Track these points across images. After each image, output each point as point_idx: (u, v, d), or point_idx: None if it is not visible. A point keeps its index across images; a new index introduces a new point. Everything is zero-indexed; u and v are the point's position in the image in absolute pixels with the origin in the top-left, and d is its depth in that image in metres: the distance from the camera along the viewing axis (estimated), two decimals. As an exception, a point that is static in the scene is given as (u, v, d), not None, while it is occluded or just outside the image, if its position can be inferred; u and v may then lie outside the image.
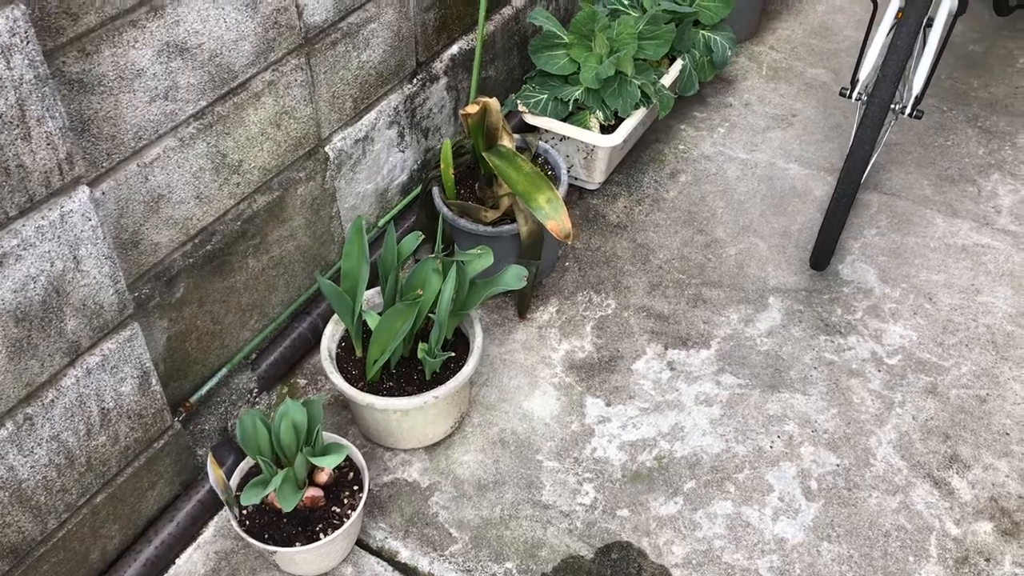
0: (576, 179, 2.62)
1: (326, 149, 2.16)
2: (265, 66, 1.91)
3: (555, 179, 2.32)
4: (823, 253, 2.27)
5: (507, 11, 2.63)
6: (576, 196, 2.64)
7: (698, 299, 2.34)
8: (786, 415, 2.07)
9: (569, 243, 2.11)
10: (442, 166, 2.17)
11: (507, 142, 2.10)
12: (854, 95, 2.25)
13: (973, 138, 2.80)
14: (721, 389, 2.12)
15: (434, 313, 1.91)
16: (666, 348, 2.22)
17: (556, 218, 1.87)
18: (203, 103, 1.77)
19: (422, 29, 2.33)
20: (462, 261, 1.90)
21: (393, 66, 2.28)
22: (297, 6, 1.92)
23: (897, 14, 2.20)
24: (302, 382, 2.16)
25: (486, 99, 2.04)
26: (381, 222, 2.43)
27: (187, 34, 1.66)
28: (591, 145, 2.47)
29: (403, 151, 2.42)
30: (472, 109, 2.02)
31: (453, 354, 1.95)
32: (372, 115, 2.27)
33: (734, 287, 2.37)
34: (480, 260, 1.95)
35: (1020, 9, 3.18)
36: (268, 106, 1.95)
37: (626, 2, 2.75)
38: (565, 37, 2.52)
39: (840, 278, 2.38)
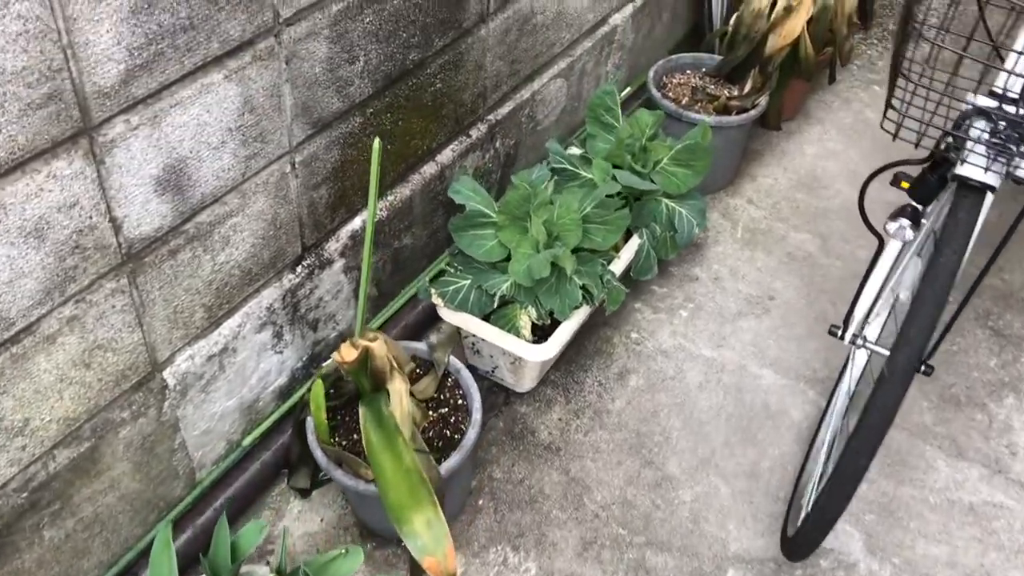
0: (501, 380, 2.13)
1: (164, 375, 1.66)
2: (62, 301, 1.40)
3: (466, 413, 1.82)
4: (805, 543, 1.76)
5: (429, 169, 2.14)
6: (501, 401, 2.14)
7: (639, 567, 1.85)
8: None
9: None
10: (312, 407, 1.67)
11: (399, 383, 1.61)
12: (847, 336, 1.77)
13: (983, 343, 2.34)
14: None
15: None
16: (593, 644, 1.73)
17: (436, 552, 1.36)
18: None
19: (310, 209, 1.84)
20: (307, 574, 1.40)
21: (267, 259, 1.78)
22: (112, 220, 1.42)
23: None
24: None
25: (368, 342, 1.55)
26: (248, 440, 1.92)
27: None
28: (518, 356, 1.98)
29: (280, 351, 1.92)
30: (348, 355, 1.52)
31: None
32: (235, 321, 1.77)
33: (686, 552, 1.88)
34: (344, 562, 1.45)
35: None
36: (70, 346, 1.45)
37: (575, 162, 2.26)
38: (495, 216, 2.03)
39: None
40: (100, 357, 1.52)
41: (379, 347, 1.55)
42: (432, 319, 2.24)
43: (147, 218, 1.48)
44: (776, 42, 2.58)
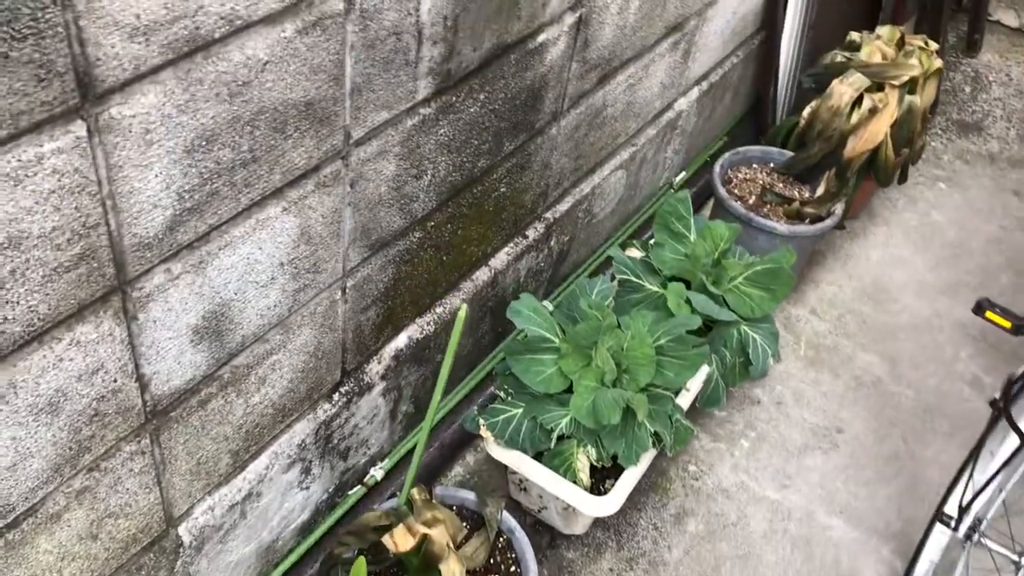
0: (548, 521, 1.91)
1: (180, 531, 1.43)
2: (72, 475, 1.17)
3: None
4: None
5: (482, 276, 1.92)
6: (546, 543, 1.92)
7: None
8: None
9: None
10: (350, 585, 1.44)
11: (453, 565, 1.38)
12: (962, 529, 1.56)
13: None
14: None
15: None
16: None
17: None
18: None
19: (355, 333, 1.61)
20: None
21: (303, 392, 1.55)
22: (139, 379, 1.18)
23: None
24: None
25: (427, 528, 1.32)
26: (262, 585, 1.69)
27: None
28: (574, 506, 1.76)
29: (307, 487, 1.69)
30: (404, 543, 1.30)
31: None
32: (262, 462, 1.53)
33: None
34: None
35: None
36: (76, 521, 1.21)
37: (639, 272, 2.04)
38: (556, 341, 1.81)
39: None
40: (110, 525, 1.28)
41: (439, 534, 1.32)
42: (472, 435, 2.02)
43: (179, 371, 1.25)
44: (857, 145, 2.37)
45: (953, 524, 1.57)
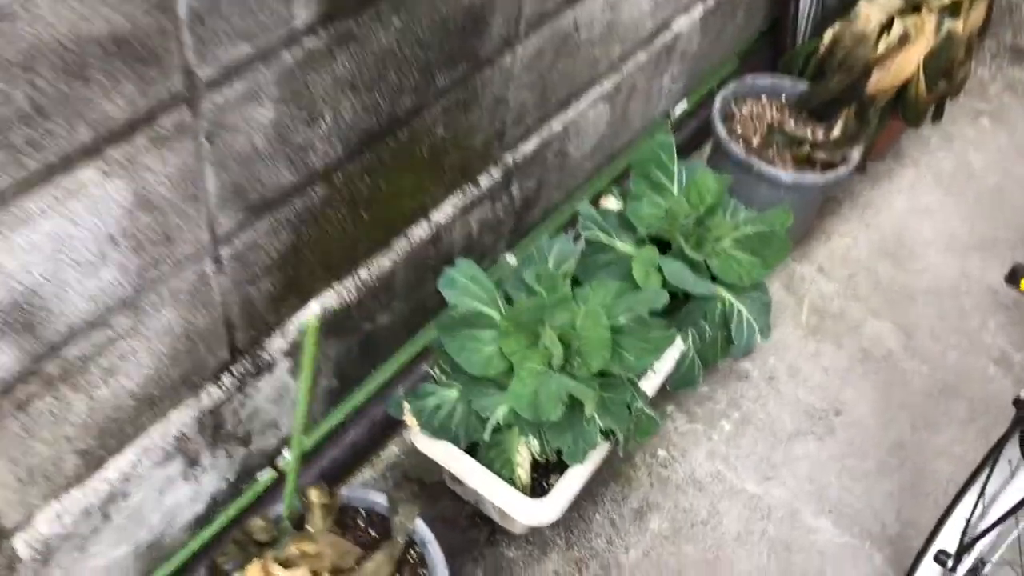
0: (487, 512, 1.67)
1: (14, 543, 1.20)
2: None
3: (430, 604, 1.36)
4: None
5: (419, 232, 1.63)
6: (484, 537, 1.69)
7: None
8: None
9: None
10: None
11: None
12: (961, 569, 1.29)
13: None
14: None
15: None
16: None
17: None
18: None
19: (244, 308, 1.35)
20: None
21: (176, 377, 1.30)
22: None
23: None
24: None
25: (285, 572, 1.07)
26: (148, 585, 1.48)
27: None
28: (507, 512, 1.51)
29: (196, 479, 1.45)
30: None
31: None
32: (125, 459, 1.29)
33: None
34: None
35: None
36: None
37: (611, 228, 1.75)
38: (496, 316, 1.53)
39: None
40: (-96, 552, 1.06)
41: (304, 577, 1.08)
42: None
43: (-25, 374, 1.00)
44: (883, 79, 2.01)
45: (950, 564, 1.30)
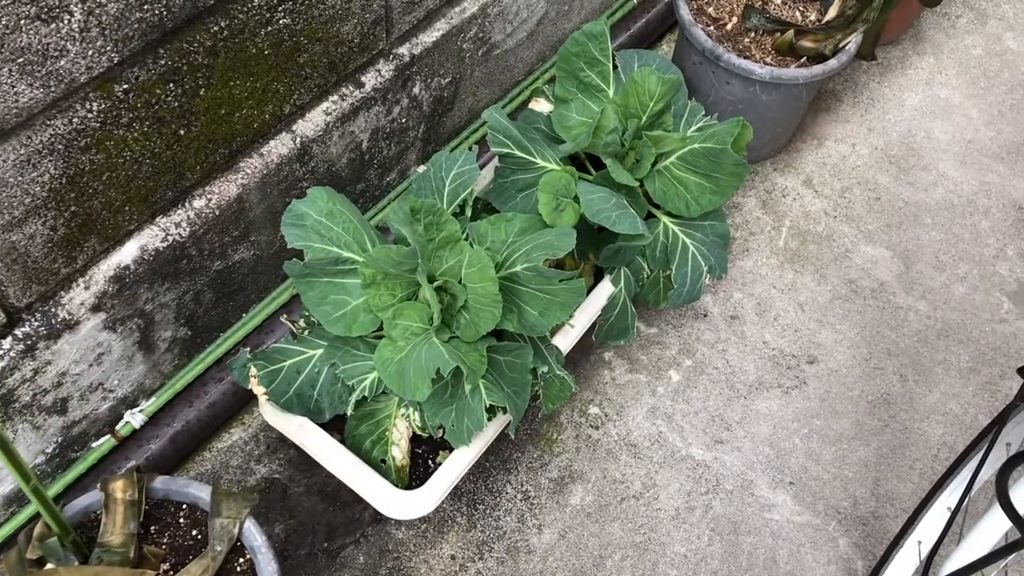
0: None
1: None
2: None
3: (258, 625, 1.10)
4: None
5: (279, 147, 1.30)
6: (370, 516, 1.42)
7: None
8: None
9: None
10: None
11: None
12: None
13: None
14: None
15: None
16: None
17: None
18: None
19: (16, 261, 1.05)
20: None
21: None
22: None
23: None
24: None
25: None
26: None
27: None
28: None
29: (-7, 459, 1.19)
30: None
31: None
32: None
33: None
34: None
35: None
36: None
37: (530, 138, 1.40)
38: (360, 258, 1.21)
39: None
40: None
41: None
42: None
43: None
44: (892, -55, 1.60)
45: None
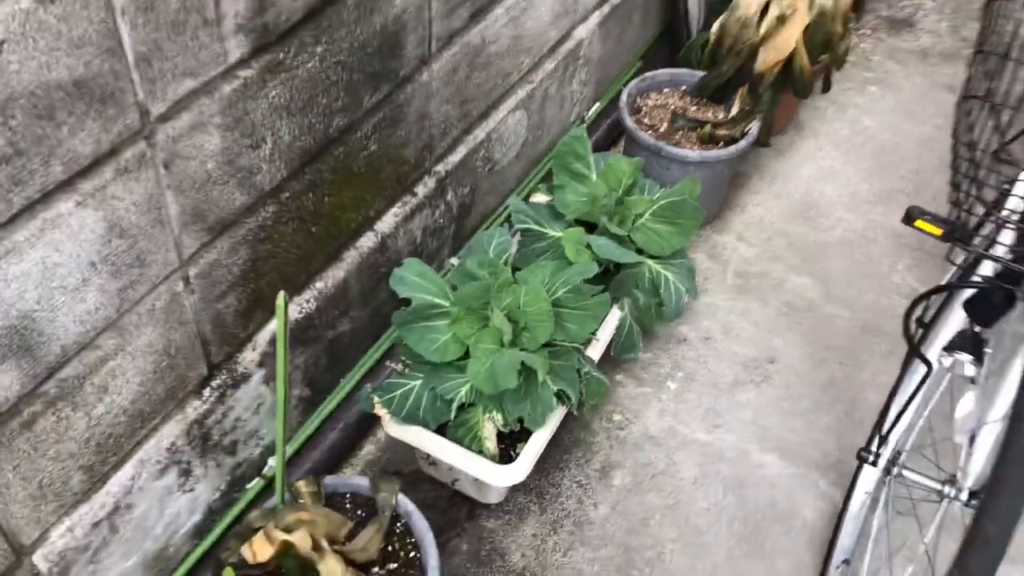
0: (464, 491, 1.81)
1: (35, 559, 1.32)
2: None
3: (420, 572, 1.49)
4: None
5: (367, 242, 1.79)
6: (464, 514, 1.82)
7: None
8: None
9: None
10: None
11: (332, 565, 1.27)
12: (881, 462, 1.46)
13: None
14: None
15: None
16: None
17: None
18: None
19: (215, 324, 1.48)
20: None
21: (162, 393, 1.43)
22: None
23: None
24: None
25: (286, 535, 1.21)
26: (157, 597, 1.59)
27: None
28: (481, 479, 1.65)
29: (191, 489, 1.57)
30: (262, 553, 1.19)
31: None
32: (126, 473, 1.42)
33: None
34: None
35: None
36: None
37: (542, 219, 1.92)
38: (447, 305, 1.69)
39: None
40: (-61, 570, 1.17)
41: (302, 539, 1.21)
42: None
43: (-21, 398, 1.12)
44: (768, 57, 2.22)
45: (871, 459, 1.47)
